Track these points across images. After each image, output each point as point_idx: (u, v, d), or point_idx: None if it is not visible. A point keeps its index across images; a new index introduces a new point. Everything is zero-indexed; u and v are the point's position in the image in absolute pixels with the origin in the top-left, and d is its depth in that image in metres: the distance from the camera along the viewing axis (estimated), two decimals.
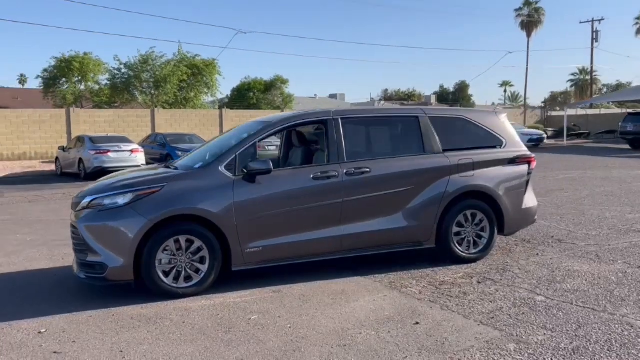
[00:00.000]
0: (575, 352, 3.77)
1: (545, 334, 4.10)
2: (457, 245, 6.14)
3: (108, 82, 40.16)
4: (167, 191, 5.18)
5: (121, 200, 5.13)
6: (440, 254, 6.16)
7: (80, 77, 42.17)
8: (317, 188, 5.60)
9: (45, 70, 41.99)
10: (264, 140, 5.89)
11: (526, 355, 3.75)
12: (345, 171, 5.68)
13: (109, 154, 18.29)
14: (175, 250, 5.15)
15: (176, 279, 5.16)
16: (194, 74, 42.72)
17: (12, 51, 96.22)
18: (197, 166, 5.61)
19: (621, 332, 4.11)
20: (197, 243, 5.20)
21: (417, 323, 4.39)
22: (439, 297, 5.03)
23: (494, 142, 6.50)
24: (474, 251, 6.24)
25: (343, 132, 5.83)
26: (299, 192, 5.56)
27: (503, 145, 6.52)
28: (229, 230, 5.26)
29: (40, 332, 4.37)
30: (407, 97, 79.11)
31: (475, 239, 6.25)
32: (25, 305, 5.06)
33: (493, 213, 6.28)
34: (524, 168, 6.52)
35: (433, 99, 69.97)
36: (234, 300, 5.08)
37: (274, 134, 5.96)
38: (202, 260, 5.23)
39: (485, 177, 6.26)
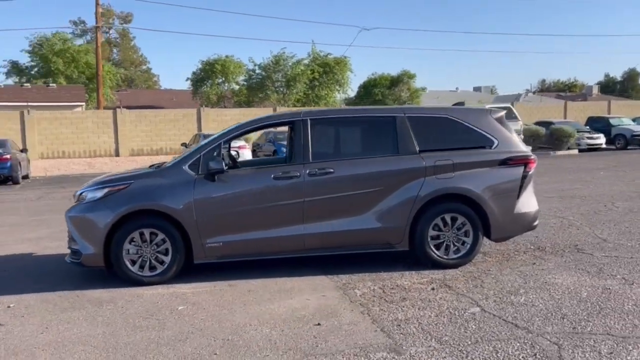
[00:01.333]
0: None
1: (430, 346, 3.90)
2: (434, 249, 5.90)
3: (244, 83, 42.78)
4: (134, 188, 5.70)
5: (98, 194, 5.76)
6: (421, 258, 5.97)
7: (223, 79, 45.44)
8: (277, 188, 5.76)
9: (194, 73, 45.83)
10: (232, 141, 6.18)
11: None
12: (307, 171, 5.76)
13: None
14: (141, 242, 5.65)
15: (142, 268, 5.67)
16: (325, 72, 43.91)
17: (174, 57, 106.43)
18: (167, 165, 6.06)
19: (515, 350, 3.77)
20: (161, 236, 5.66)
21: (318, 324, 4.40)
22: (374, 301, 4.94)
23: (483, 142, 6.10)
24: (454, 257, 5.95)
25: (310, 133, 5.90)
26: (259, 191, 5.77)
27: (494, 146, 6.09)
28: (190, 225, 5.64)
29: (8, 307, 5.11)
30: (566, 87, 73.62)
31: (457, 244, 5.95)
32: (19, 284, 5.88)
33: (477, 217, 5.92)
34: (517, 170, 6.04)
35: (595, 90, 64.40)
36: (185, 291, 5.45)
37: (241, 135, 6.21)
38: (165, 252, 5.68)
39: (468, 179, 5.93)
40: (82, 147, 26.96)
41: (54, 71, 39.13)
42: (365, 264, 6.11)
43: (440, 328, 4.23)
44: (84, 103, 34.00)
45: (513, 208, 6.01)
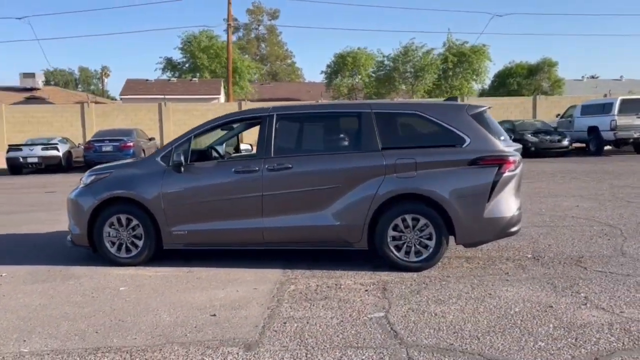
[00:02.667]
0: None
1: (285, 346, 3.86)
2: (394, 251, 5.68)
3: (373, 75, 42.93)
4: (113, 177, 6.26)
5: (87, 181, 6.42)
6: (385, 259, 5.80)
7: (355, 71, 46.04)
8: (237, 181, 5.94)
9: (327, 66, 46.96)
10: (203, 135, 6.45)
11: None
12: (267, 166, 5.87)
13: None
14: (118, 226, 6.20)
15: (119, 249, 6.21)
16: (460, 62, 42.52)
17: (316, 51, 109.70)
18: (145, 157, 6.52)
19: (363, 358, 3.61)
20: (135, 222, 6.15)
21: (214, 315, 4.53)
22: (293, 298, 4.90)
23: (453, 140, 5.70)
24: (415, 259, 5.67)
25: (275, 128, 5.98)
26: (220, 184, 6.00)
27: (465, 144, 5.66)
28: (158, 212, 6.06)
29: (1, 275, 5.94)
30: None
31: (419, 246, 5.67)
32: (18, 256, 6.73)
33: (441, 220, 5.58)
34: (488, 171, 5.56)
35: None
36: (147, 273, 5.87)
37: (210, 130, 6.44)
38: (139, 237, 6.16)
39: (431, 179, 5.60)
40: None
41: (199, 66, 42.62)
42: (337, 261, 6.01)
43: (321, 330, 4.14)
44: (219, 95, 36.59)
45: (482, 212, 5.55)
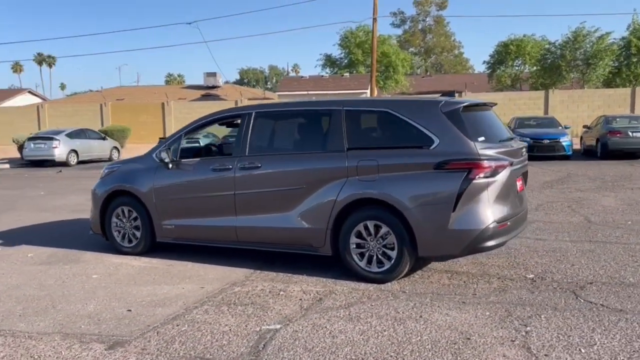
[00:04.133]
0: None
1: (136, 347, 3.85)
2: (357, 259, 5.28)
3: (539, 64, 39.85)
4: (119, 171, 6.71)
5: (104, 174, 6.97)
6: (348, 267, 5.43)
7: (520, 60, 43.17)
8: (214, 179, 5.99)
9: (490, 55, 44.64)
10: (193, 133, 6.55)
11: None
12: (239, 165, 5.83)
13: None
14: (122, 217, 6.64)
15: (123, 239, 6.66)
16: None
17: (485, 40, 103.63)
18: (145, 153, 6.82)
19: None
20: (135, 214, 6.54)
21: (129, 310, 4.67)
22: (228, 300, 4.84)
23: (420, 141, 5.08)
24: (376, 270, 5.21)
25: (252, 127, 5.90)
26: (199, 181, 6.10)
27: (433, 146, 5.02)
28: (151, 206, 6.37)
29: (28, 255, 6.75)
30: None
31: (381, 257, 5.20)
32: (51, 240, 7.49)
33: (403, 229, 5.05)
34: (455, 176, 4.87)
35: None
36: (132, 263, 6.19)
37: (198, 128, 6.50)
38: (138, 228, 6.54)
39: (392, 184, 5.08)
40: None
41: (354, 62, 43.20)
42: (319, 267, 5.70)
43: (195, 338, 4.03)
44: (367, 90, 36.73)
45: (447, 222, 4.89)
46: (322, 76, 42.52)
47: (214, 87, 53.67)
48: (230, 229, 5.90)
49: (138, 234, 6.51)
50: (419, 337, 3.90)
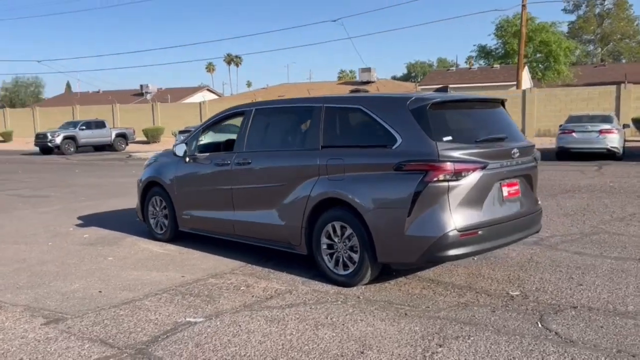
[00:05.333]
0: None
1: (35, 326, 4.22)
2: (326, 260, 5.16)
3: None
4: (155, 164, 7.26)
5: (146, 165, 7.59)
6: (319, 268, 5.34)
7: None
8: (216, 174, 6.22)
9: None
10: (210, 129, 6.79)
11: None
12: (236, 161, 6.00)
13: (573, 134, 17.56)
14: (155, 206, 7.21)
15: (156, 226, 7.22)
16: None
17: None
18: None
19: None
20: (164, 203, 7.06)
21: (100, 291, 5.10)
22: (181, 291, 5.08)
23: (385, 140, 4.77)
24: (342, 273, 5.05)
25: (250, 124, 6.02)
26: (206, 175, 6.37)
27: (395, 145, 4.68)
28: (173, 197, 6.82)
29: (84, 236, 7.63)
30: None
31: (346, 260, 5.03)
32: (118, 224, 8.27)
33: (365, 232, 4.82)
34: (412, 178, 4.51)
35: None
36: (153, 249, 6.67)
37: (212, 125, 6.69)
38: (166, 217, 7.05)
39: (354, 184, 4.87)
40: None
41: (509, 52, 40.69)
42: (306, 265, 5.65)
43: (125, 321, 4.30)
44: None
45: (403, 228, 4.55)
46: (470, 68, 40.71)
47: (367, 82, 54.34)
48: (230, 222, 6.10)
49: (166, 222, 7.00)
50: (315, 345, 3.73)
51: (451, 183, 4.44)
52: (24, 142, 38.43)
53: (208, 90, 70.85)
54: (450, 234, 4.45)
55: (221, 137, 7.28)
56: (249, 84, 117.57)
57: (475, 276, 5.24)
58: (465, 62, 71.49)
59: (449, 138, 4.58)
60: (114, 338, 3.95)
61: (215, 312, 4.44)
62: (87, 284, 5.33)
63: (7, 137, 41.18)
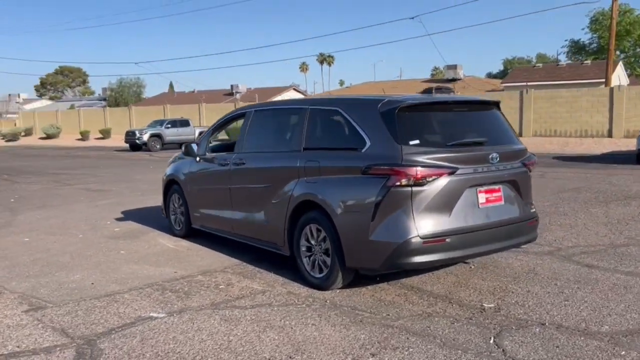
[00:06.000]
0: None
1: None
2: (305, 262, 5.16)
3: None
4: (176, 163, 7.54)
5: (169, 163, 7.90)
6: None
7: None
8: (219, 173, 6.38)
9: None
10: (219, 130, 6.93)
11: None
12: (233, 161, 6.13)
13: None
14: (175, 203, 7.50)
15: (175, 222, 7.52)
16: None
17: None
18: None
19: None
20: (181, 201, 7.33)
21: (92, 283, 5.41)
22: (159, 287, 5.27)
23: (356, 142, 4.69)
24: (317, 275, 5.03)
25: (249, 125, 6.13)
26: (211, 175, 6.55)
27: (364, 149, 4.59)
28: (186, 194, 7.07)
29: (115, 230, 8.10)
30: None
31: (321, 263, 5.00)
32: (151, 220, 8.66)
33: (335, 236, 4.78)
34: (377, 182, 4.40)
35: None
36: (167, 245, 6.95)
37: (220, 126, 6.81)
38: (183, 214, 7.32)
39: (327, 186, 4.84)
40: (574, 126, 26.17)
41: (604, 47, 38.12)
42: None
43: (93, 313, 4.54)
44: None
45: (367, 232, 4.46)
46: (557, 64, 38.53)
47: (453, 80, 53.05)
48: (229, 221, 6.24)
49: (183, 219, 7.27)
50: (250, 347, 3.76)
51: (414, 188, 4.29)
52: (120, 139, 41.04)
53: (294, 89, 72.17)
54: (413, 240, 4.30)
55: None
56: (341, 83, 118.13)
57: (459, 285, 5.02)
58: (567, 57, 67.38)
59: (416, 142, 4.42)
60: (75, 328, 4.18)
61: (180, 309, 4.57)
62: (87, 275, 5.65)
63: (105, 134, 44.16)
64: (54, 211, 9.95)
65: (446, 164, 4.38)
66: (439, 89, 44.79)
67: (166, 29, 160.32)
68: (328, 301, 4.68)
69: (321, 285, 4.93)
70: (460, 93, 36.62)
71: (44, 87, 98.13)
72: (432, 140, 4.55)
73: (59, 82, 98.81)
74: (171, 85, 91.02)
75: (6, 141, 47.75)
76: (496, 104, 5.21)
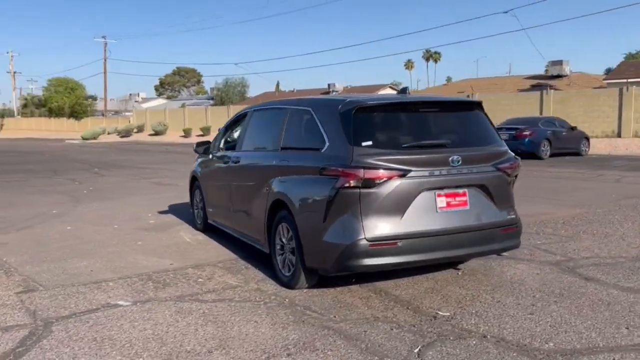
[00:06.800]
0: None
1: None
2: (279, 260, 5.22)
3: None
4: (199, 159, 7.85)
5: (196, 159, 8.25)
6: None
7: None
8: (222, 170, 6.60)
9: None
10: (231, 128, 7.10)
11: None
12: (232, 159, 6.31)
13: None
14: (197, 199, 7.83)
15: (195, 217, 7.86)
16: None
17: None
18: None
19: None
20: (201, 196, 7.64)
21: (91, 270, 5.82)
22: (147, 279, 5.55)
23: (318, 143, 4.68)
24: (286, 274, 5.07)
25: (248, 124, 6.29)
26: (217, 172, 6.79)
27: (324, 149, 4.58)
28: (202, 191, 7.38)
29: (149, 222, 8.59)
30: None
31: (289, 262, 5.05)
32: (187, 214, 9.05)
33: (296, 235, 4.81)
34: (329, 183, 4.37)
35: None
36: (184, 238, 7.25)
37: (230, 126, 6.96)
38: (202, 209, 7.64)
39: (293, 186, 4.89)
40: None
41: None
42: None
43: (70, 298, 4.91)
44: None
45: (320, 233, 4.45)
46: None
47: (557, 76, 50.27)
48: (229, 217, 6.45)
49: (202, 213, 7.59)
50: (180, 339, 3.89)
51: (363, 190, 4.21)
52: None
53: (391, 87, 71.73)
54: (360, 242, 4.22)
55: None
56: (448, 80, 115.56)
57: (431, 291, 4.84)
58: None
59: (369, 143, 4.33)
60: (45, 311, 4.54)
61: (148, 299, 4.80)
62: (92, 263, 6.07)
63: (205, 131, 46.51)
64: (112, 203, 10.72)
65: (397, 166, 4.25)
66: (537, 87, 42.47)
67: (267, 29, 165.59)
68: (287, 300, 4.70)
69: (289, 284, 4.96)
70: (564, 90, 34.43)
71: (163, 87, 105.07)
72: (387, 142, 4.44)
73: (176, 82, 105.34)
74: (277, 85, 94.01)
75: (121, 137, 51.93)
76: (474, 105, 4.95)
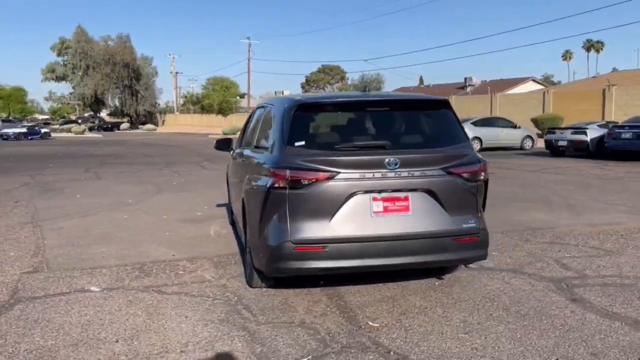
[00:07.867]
0: None
1: None
2: (246, 258, 5.28)
3: None
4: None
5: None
6: None
7: None
8: (232, 166, 6.75)
9: None
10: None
11: None
12: (238, 154, 6.43)
13: None
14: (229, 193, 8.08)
15: (228, 211, 8.13)
16: None
17: None
18: None
19: None
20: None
21: (103, 256, 6.29)
22: (149, 263, 5.86)
23: (270, 142, 4.64)
24: (248, 272, 5.10)
25: (255, 119, 6.35)
26: (231, 168, 6.95)
27: (269, 147, 4.53)
28: (229, 186, 7.61)
29: (197, 214, 9.04)
30: None
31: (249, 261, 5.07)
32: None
33: (245, 234, 4.83)
34: (265, 183, 4.31)
35: None
36: (211, 232, 7.59)
37: (246, 124, 7.00)
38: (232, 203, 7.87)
39: (249, 185, 4.89)
40: None
41: None
42: None
43: (58, 283, 5.38)
44: None
45: (257, 234, 4.41)
46: None
47: None
48: (235, 212, 6.59)
49: (230, 207, 7.83)
50: (105, 327, 4.08)
51: (290, 191, 4.09)
52: None
53: (533, 80, 67.42)
54: (285, 244, 4.12)
55: None
56: (614, 71, 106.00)
57: (389, 300, 4.57)
58: None
59: (302, 143, 4.19)
60: (25, 291, 4.99)
61: (119, 287, 5.09)
62: (109, 250, 6.53)
63: None
64: (186, 195, 11.39)
65: (325, 167, 4.06)
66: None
67: (401, 23, 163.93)
68: (236, 298, 4.72)
69: (248, 282, 4.98)
70: None
71: (308, 84, 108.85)
72: (321, 143, 4.27)
73: (321, 80, 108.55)
74: (421, 80, 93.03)
75: None
76: (438, 103, 4.53)
